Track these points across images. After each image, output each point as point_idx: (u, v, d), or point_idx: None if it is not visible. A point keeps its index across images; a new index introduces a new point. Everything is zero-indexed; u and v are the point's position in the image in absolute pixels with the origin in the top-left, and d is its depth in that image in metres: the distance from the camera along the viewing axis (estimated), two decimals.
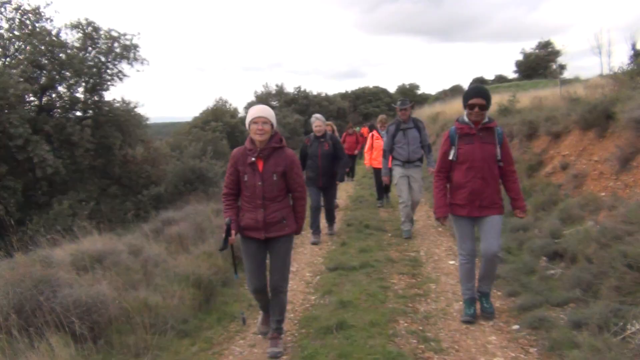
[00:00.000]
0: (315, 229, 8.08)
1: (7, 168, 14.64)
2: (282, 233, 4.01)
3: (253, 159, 3.91)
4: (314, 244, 7.81)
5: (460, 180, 4.43)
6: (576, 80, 21.16)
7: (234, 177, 4.01)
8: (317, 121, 7.99)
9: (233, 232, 3.87)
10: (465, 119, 4.42)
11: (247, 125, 3.95)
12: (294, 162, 4.03)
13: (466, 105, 4.36)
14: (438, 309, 4.88)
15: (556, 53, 44.55)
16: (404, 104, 7.99)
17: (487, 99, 4.32)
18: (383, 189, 10.98)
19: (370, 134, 11.14)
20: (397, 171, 7.97)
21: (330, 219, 8.54)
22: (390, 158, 8.15)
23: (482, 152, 4.33)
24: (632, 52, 13.06)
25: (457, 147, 4.42)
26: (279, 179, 3.95)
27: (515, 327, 4.30)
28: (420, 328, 4.44)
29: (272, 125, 3.92)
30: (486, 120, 4.39)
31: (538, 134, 9.74)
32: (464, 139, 4.39)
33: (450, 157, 4.47)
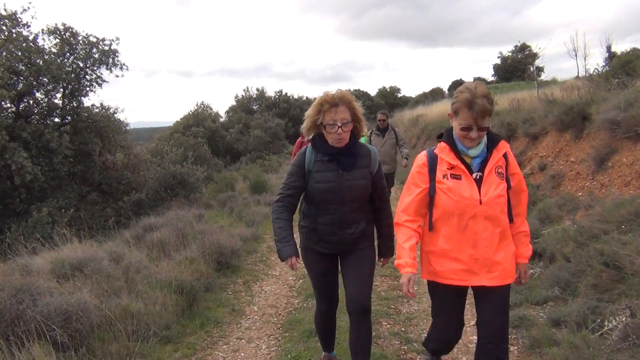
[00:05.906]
0: None
1: None
2: None
3: None
4: None
5: None
6: (553, 82, 21.52)
7: None
8: None
9: None
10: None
11: None
12: None
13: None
14: (420, 310, 4.92)
15: (533, 56, 45.21)
16: None
17: None
18: None
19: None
20: None
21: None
22: None
23: None
24: (607, 54, 13.37)
25: None
26: None
27: None
28: (403, 329, 4.48)
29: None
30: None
31: (516, 135, 9.89)
32: None
33: None
